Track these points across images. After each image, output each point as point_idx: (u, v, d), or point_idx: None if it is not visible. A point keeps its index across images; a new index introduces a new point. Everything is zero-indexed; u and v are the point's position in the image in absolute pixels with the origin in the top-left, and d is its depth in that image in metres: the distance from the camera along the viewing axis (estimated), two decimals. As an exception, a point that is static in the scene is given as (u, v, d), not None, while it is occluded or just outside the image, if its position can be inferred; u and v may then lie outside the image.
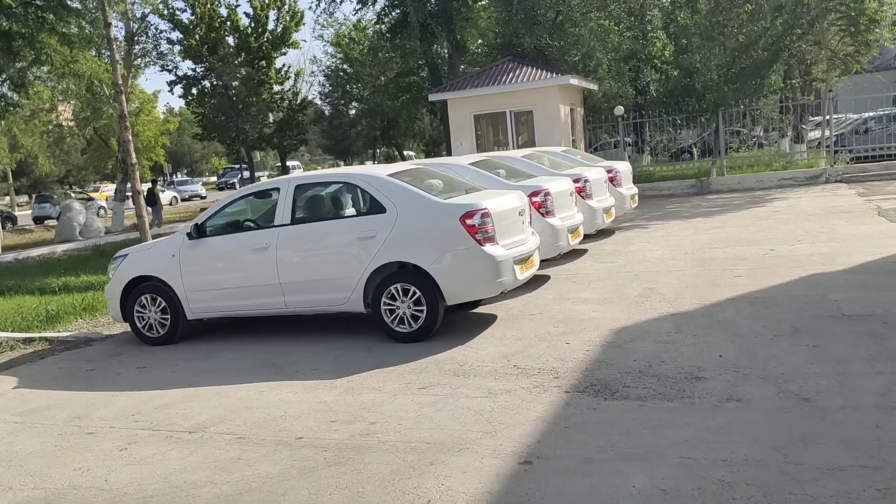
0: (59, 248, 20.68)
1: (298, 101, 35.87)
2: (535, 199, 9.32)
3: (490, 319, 7.82)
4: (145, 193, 25.69)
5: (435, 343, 7.05)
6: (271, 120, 33.97)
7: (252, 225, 8.04)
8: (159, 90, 37.27)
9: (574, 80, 20.17)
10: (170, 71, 30.78)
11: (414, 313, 7.15)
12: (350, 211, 7.81)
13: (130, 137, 11.88)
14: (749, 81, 20.82)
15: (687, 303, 7.71)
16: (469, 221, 6.99)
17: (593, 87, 22.89)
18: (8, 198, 45.45)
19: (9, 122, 24.86)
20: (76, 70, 22.24)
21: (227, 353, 7.58)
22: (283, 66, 35.13)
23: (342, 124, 35.50)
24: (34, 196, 41.52)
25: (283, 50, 33.78)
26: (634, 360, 5.96)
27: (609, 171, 13.00)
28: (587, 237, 11.54)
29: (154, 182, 28.07)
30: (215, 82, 31.15)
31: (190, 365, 7.31)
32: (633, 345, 6.40)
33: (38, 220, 38.24)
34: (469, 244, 6.97)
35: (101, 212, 38.48)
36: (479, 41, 28.25)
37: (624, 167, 14.01)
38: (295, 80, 35.55)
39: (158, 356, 7.79)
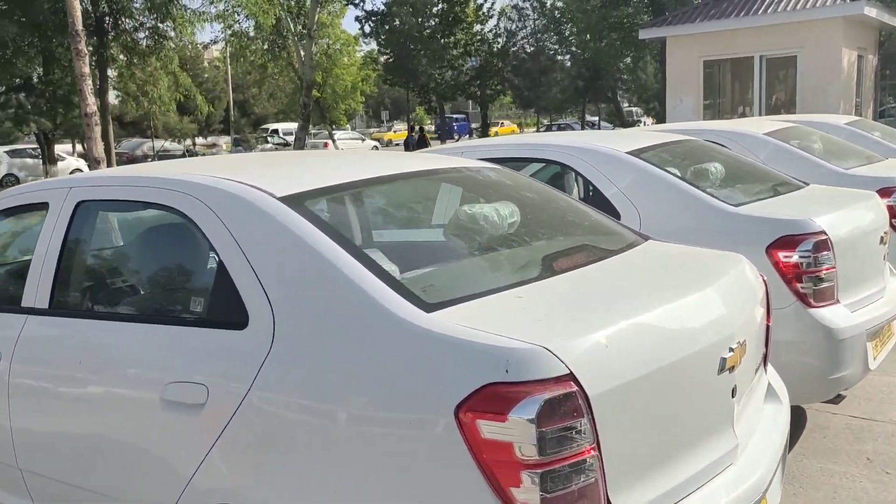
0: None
1: (501, 45, 30.46)
2: (782, 254, 3.59)
3: None
4: (416, 139, 25.04)
5: None
6: (467, 66, 29.03)
7: None
8: (361, 32, 34.17)
9: (871, 11, 13.17)
10: (356, 5, 27.03)
11: None
12: (175, 305, 2.76)
13: (87, 70, 7.51)
14: None
15: None
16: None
17: (900, 24, 15.47)
18: (206, 138, 45.45)
19: (166, 59, 22.57)
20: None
21: None
22: (486, 1, 29.66)
23: (530, 70, 29.23)
24: (232, 139, 40.66)
25: (487, -17, 28.66)
26: None
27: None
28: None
29: (421, 128, 26.88)
30: (405, 19, 26.79)
31: None
32: None
33: (232, 163, 37.06)
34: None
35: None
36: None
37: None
38: (498, 20, 30.17)
39: None
